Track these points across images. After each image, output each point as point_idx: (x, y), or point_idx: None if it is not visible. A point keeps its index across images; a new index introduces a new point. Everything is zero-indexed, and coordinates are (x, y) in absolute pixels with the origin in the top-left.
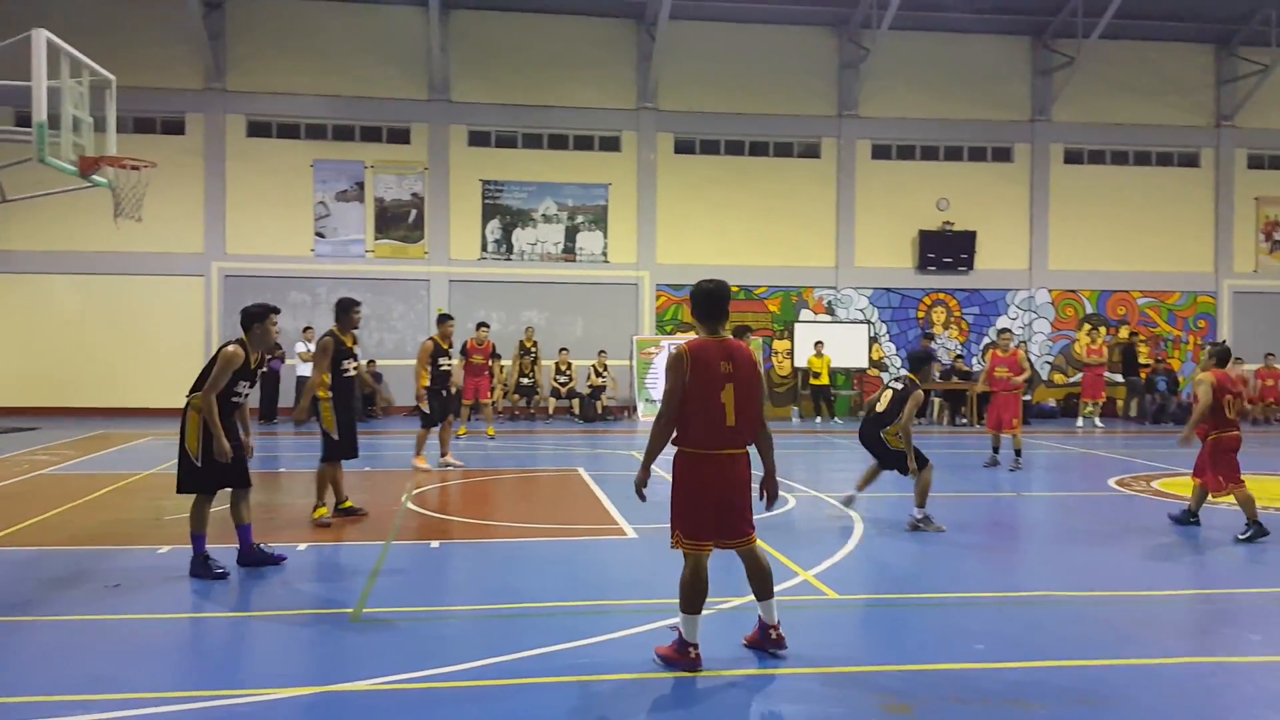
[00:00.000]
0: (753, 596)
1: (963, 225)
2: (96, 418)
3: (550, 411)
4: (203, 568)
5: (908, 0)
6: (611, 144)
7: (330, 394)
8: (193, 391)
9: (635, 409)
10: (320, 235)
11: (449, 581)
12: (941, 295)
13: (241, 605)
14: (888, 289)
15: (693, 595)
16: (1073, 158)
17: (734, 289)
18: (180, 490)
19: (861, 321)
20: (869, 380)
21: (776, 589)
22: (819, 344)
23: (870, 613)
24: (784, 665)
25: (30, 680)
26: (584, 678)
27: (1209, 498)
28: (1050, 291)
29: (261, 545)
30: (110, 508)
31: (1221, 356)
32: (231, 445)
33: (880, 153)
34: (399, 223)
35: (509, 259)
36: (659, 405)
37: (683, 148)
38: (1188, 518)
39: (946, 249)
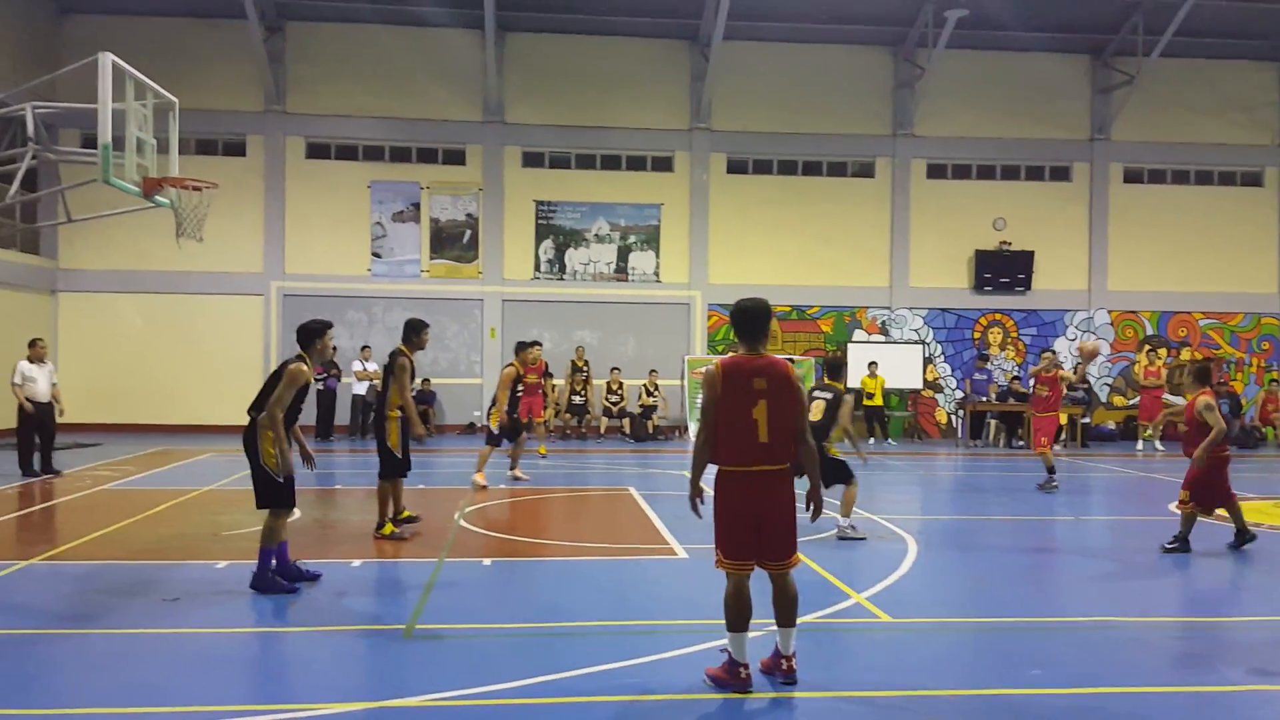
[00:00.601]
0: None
1: (1020, 245)
2: (158, 434)
3: (601, 431)
4: (270, 583)
5: (964, 19)
6: (664, 164)
7: (399, 413)
8: (255, 409)
9: (686, 428)
10: (377, 255)
11: (501, 599)
12: (998, 316)
13: (296, 620)
14: (943, 309)
15: (737, 614)
16: (1133, 177)
17: (787, 309)
18: (261, 506)
19: (916, 342)
20: (923, 401)
21: (828, 611)
22: (873, 364)
23: (924, 637)
24: (835, 689)
25: (90, 691)
26: (635, 697)
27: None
28: (1110, 312)
29: (298, 562)
30: (170, 523)
31: (1203, 374)
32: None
33: (936, 172)
34: (454, 243)
35: (562, 279)
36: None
37: (735, 168)
38: (1243, 540)
39: (1004, 269)
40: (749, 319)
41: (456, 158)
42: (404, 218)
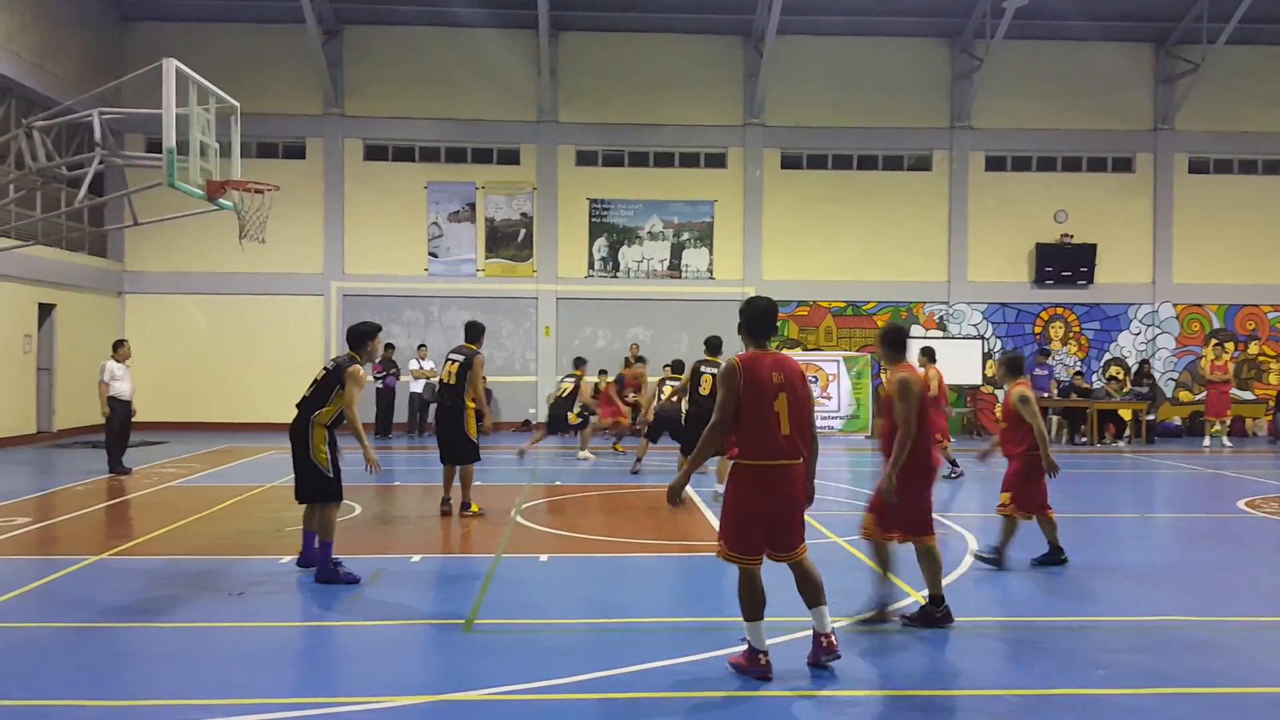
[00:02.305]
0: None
1: (1082, 238)
2: (222, 432)
3: None
4: (332, 573)
5: (1022, 9)
6: (718, 161)
7: (475, 406)
8: (304, 408)
9: None
10: (433, 255)
11: (558, 594)
12: (1060, 310)
13: (358, 614)
14: (1003, 304)
15: (750, 604)
16: (1198, 167)
17: (841, 305)
18: (306, 500)
19: (975, 337)
20: (983, 397)
21: (889, 609)
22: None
23: (985, 636)
24: (896, 688)
25: (158, 684)
26: (694, 694)
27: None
28: (1175, 306)
29: (310, 552)
30: (234, 519)
31: (1013, 365)
32: (335, 457)
33: (995, 164)
34: (508, 242)
35: (615, 276)
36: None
37: (789, 163)
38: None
39: (1065, 262)
40: (759, 316)
41: (511, 157)
42: (460, 218)
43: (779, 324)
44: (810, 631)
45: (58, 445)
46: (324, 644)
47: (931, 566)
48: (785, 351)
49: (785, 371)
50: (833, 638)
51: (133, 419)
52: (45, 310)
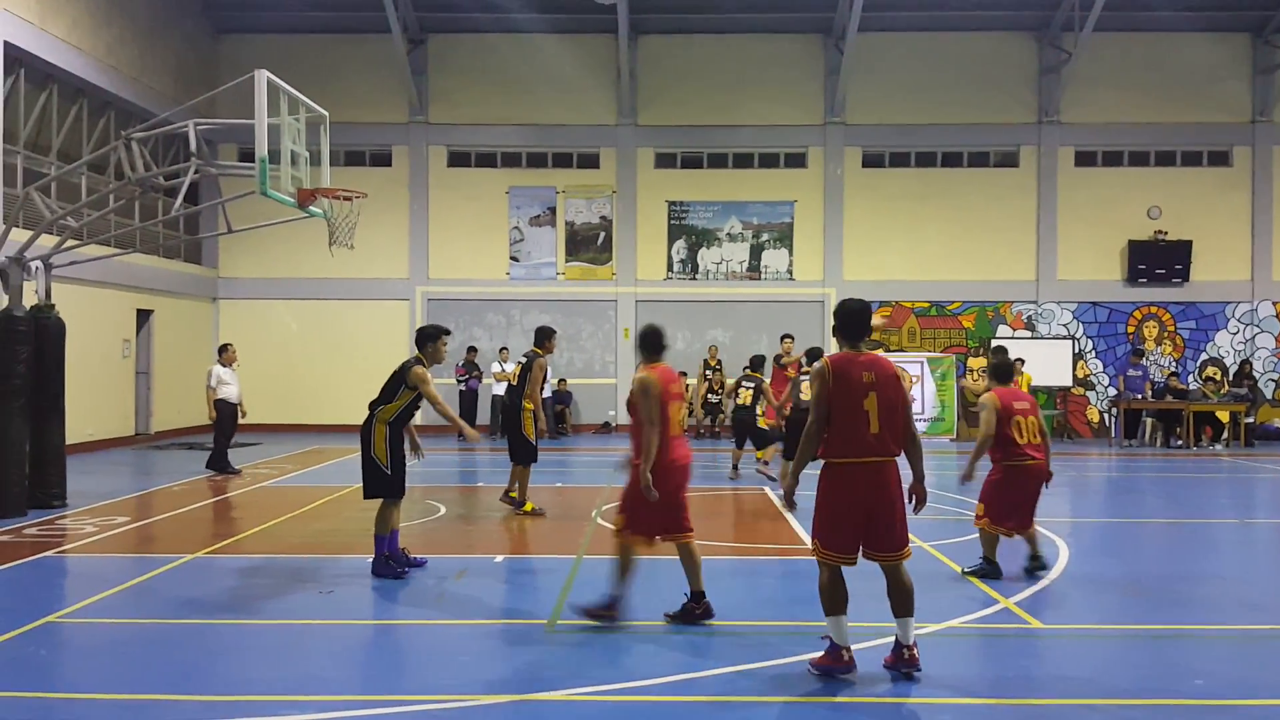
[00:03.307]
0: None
1: (1176, 234)
2: (311, 433)
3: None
4: (385, 567)
5: (1112, 0)
6: (797, 160)
7: (533, 407)
8: (375, 405)
9: None
10: (514, 259)
11: (640, 596)
12: (1154, 309)
13: (443, 613)
14: (1094, 303)
15: (834, 599)
16: None
17: (925, 305)
18: (368, 496)
19: (1065, 337)
20: (1074, 399)
21: (976, 615)
22: (1019, 361)
23: (1077, 644)
24: (986, 696)
25: (251, 678)
26: (778, 698)
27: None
28: (1274, 304)
29: (405, 551)
30: (324, 518)
31: (1000, 370)
32: (398, 456)
33: (1084, 160)
34: (588, 245)
35: (694, 278)
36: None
37: (871, 161)
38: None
39: (1159, 260)
40: (852, 318)
41: (590, 161)
42: (540, 222)
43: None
44: (893, 639)
45: (155, 447)
46: (409, 641)
47: (690, 563)
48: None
49: (877, 372)
50: (915, 650)
51: (239, 421)
52: (143, 316)
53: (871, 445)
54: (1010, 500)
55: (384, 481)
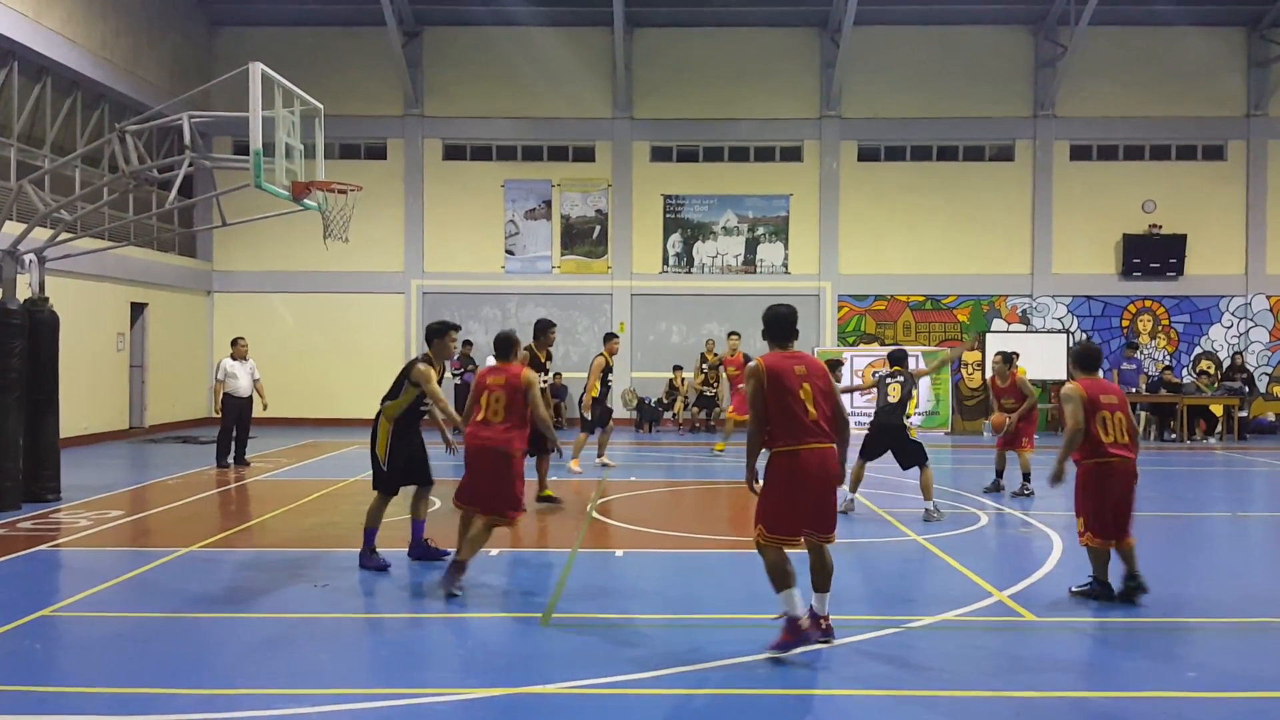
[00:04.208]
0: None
1: (1171, 228)
2: (306, 427)
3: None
4: (369, 559)
5: None
6: (793, 154)
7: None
8: (383, 401)
9: None
10: (510, 253)
11: (634, 589)
12: (1148, 303)
13: (437, 606)
14: (1088, 296)
15: (782, 576)
16: None
17: (920, 299)
18: (375, 488)
19: (1059, 331)
20: None
21: (968, 609)
22: (1014, 354)
23: (1071, 636)
24: (979, 689)
25: (246, 671)
26: (770, 691)
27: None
28: (1269, 298)
29: (428, 541)
30: (319, 512)
31: (1084, 358)
32: (411, 449)
33: (1080, 154)
34: (584, 239)
35: (690, 272)
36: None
37: (866, 155)
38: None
39: (1153, 253)
40: (780, 321)
41: (586, 154)
42: (536, 215)
43: (857, 318)
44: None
45: (150, 440)
46: (404, 635)
47: (475, 540)
48: (860, 347)
49: (807, 365)
50: (829, 620)
51: (249, 414)
52: (137, 309)
53: (812, 430)
54: (1099, 504)
55: (378, 475)
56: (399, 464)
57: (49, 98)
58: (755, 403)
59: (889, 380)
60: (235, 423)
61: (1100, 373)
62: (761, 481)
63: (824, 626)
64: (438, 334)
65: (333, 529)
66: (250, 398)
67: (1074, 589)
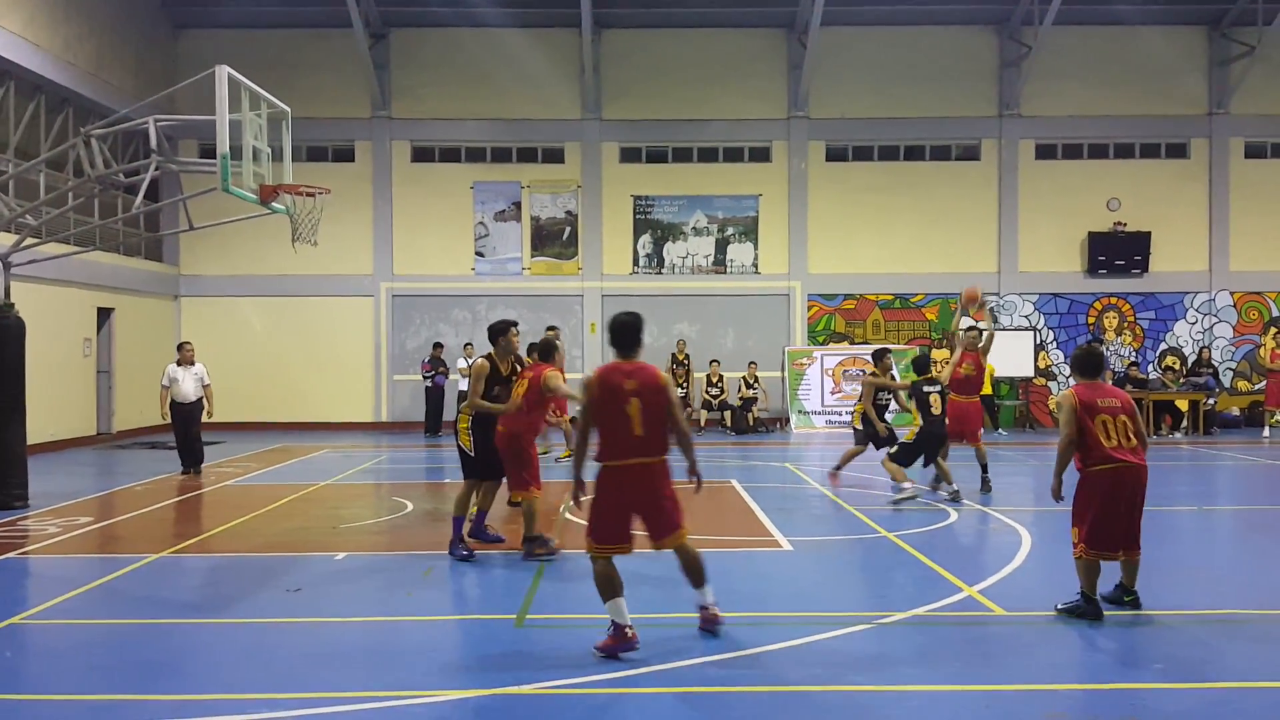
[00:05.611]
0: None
1: (1136, 226)
2: (277, 431)
3: (702, 423)
4: (456, 549)
5: None
6: (762, 155)
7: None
8: (460, 401)
9: (788, 420)
10: (480, 254)
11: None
12: (1113, 299)
13: (411, 610)
14: (1055, 294)
15: (609, 585)
16: (1255, 152)
17: (889, 298)
18: (465, 478)
19: (1027, 329)
20: (1035, 390)
21: (938, 604)
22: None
23: (1039, 631)
24: (948, 684)
25: (218, 678)
26: (744, 688)
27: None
28: (1232, 294)
29: (488, 527)
30: (291, 517)
31: (1083, 363)
32: (488, 441)
33: (1045, 153)
34: (554, 240)
35: (660, 272)
36: (806, 416)
37: (834, 155)
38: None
39: (1118, 251)
40: (623, 329)
41: (556, 156)
42: (506, 217)
43: (827, 317)
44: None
45: (118, 446)
46: (378, 638)
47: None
48: (830, 345)
49: (640, 379)
50: (714, 608)
51: (197, 420)
52: (104, 314)
53: (635, 447)
54: (1102, 513)
55: (465, 462)
56: (482, 454)
57: (12, 102)
58: (584, 414)
59: (927, 389)
60: (182, 429)
61: (1102, 377)
62: (590, 495)
63: (710, 615)
64: (501, 331)
65: (305, 533)
66: (197, 403)
67: (1060, 606)
